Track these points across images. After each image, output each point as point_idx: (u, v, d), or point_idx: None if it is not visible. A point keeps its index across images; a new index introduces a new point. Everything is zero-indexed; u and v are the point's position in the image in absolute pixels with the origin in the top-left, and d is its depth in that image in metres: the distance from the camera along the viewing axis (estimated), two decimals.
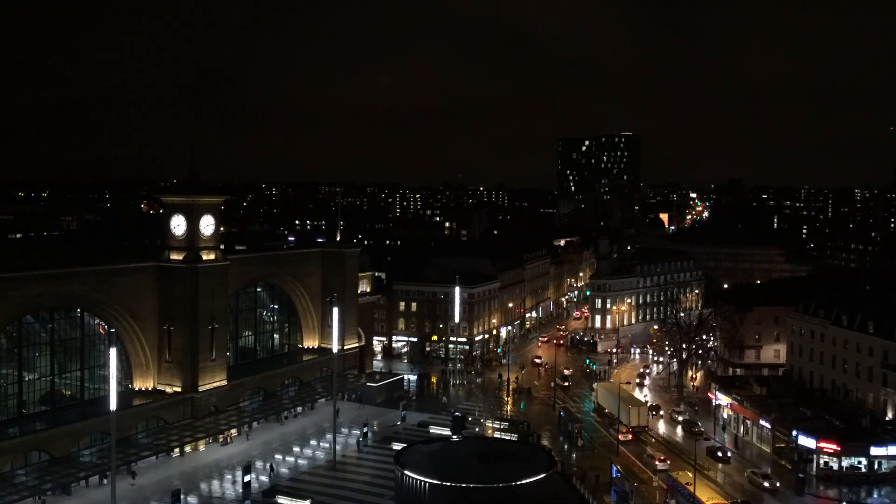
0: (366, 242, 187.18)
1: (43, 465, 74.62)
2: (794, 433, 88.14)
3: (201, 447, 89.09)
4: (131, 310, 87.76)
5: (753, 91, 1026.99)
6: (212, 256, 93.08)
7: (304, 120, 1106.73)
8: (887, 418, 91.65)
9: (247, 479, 77.89)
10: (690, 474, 75.83)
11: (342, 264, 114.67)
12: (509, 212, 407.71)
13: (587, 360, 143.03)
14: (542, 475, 69.37)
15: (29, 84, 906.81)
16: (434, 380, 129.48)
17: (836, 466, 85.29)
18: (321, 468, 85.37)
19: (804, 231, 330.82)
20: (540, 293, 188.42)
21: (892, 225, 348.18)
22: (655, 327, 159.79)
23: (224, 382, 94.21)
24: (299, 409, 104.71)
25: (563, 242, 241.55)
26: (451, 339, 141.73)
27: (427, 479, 67.33)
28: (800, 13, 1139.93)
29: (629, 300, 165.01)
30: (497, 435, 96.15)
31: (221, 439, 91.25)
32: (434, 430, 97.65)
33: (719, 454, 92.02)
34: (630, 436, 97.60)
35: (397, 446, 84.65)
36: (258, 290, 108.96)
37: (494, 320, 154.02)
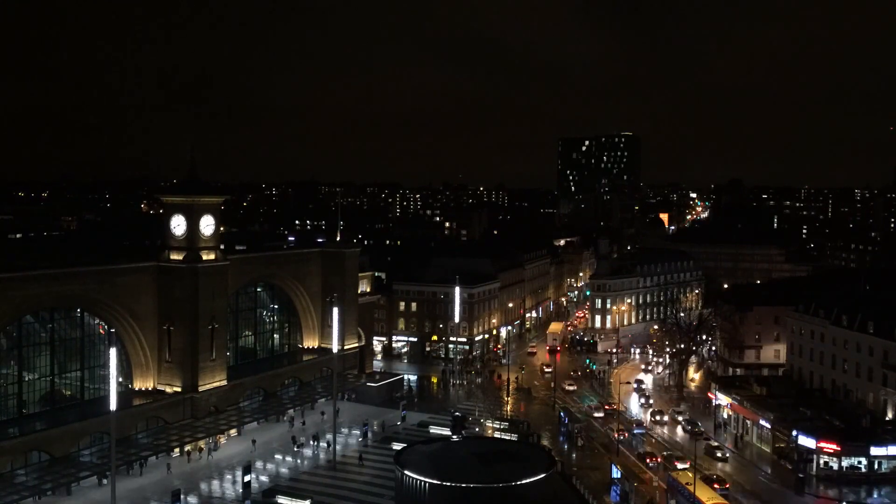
0: (366, 242, 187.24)
1: (43, 465, 74.61)
2: (794, 433, 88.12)
3: (201, 445, 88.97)
4: (131, 310, 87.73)
5: (753, 91, 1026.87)
6: (212, 256, 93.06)
7: (304, 120, 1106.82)
8: (887, 418, 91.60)
9: (247, 479, 77.90)
10: (691, 475, 75.83)
11: (342, 264, 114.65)
12: (509, 212, 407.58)
13: (587, 360, 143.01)
14: (542, 475, 69.36)
15: (29, 84, 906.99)
16: (434, 380, 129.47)
17: (836, 466, 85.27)
18: (321, 468, 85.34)
19: (804, 231, 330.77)
20: (540, 293, 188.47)
21: (892, 225, 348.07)
22: (655, 327, 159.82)
23: (224, 382, 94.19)
24: (303, 422, 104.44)
25: (563, 242, 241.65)
26: (451, 339, 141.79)
27: (427, 479, 67.31)
28: (800, 13, 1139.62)
29: (629, 300, 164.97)
30: (497, 435, 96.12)
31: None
32: (434, 430, 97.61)
33: (718, 454, 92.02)
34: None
35: (397, 446, 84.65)
36: (258, 290, 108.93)
37: (494, 320, 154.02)
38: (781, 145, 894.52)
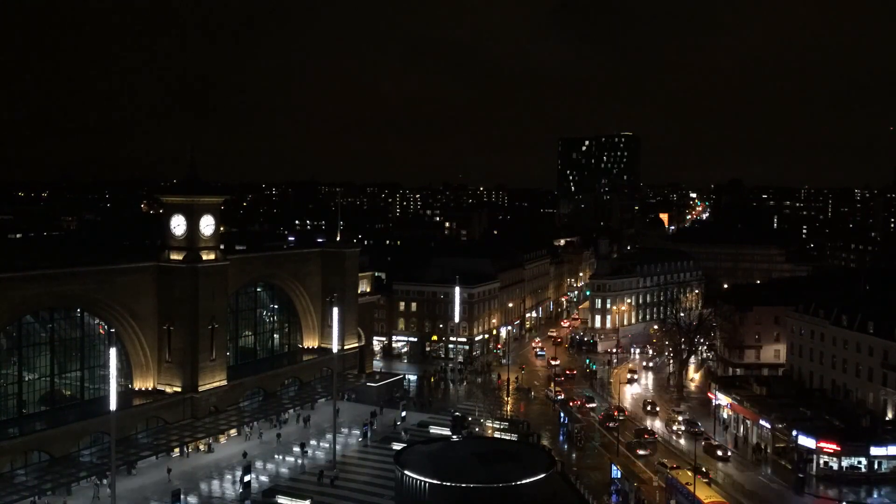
0: (366, 242, 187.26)
1: (43, 465, 74.60)
2: (794, 433, 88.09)
3: (201, 446, 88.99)
4: (131, 310, 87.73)
5: (753, 91, 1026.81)
6: (212, 256, 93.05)
7: (304, 120, 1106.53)
8: (887, 418, 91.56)
9: (247, 479, 77.88)
10: (690, 474, 75.78)
11: (342, 264, 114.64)
12: (509, 212, 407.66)
13: (587, 360, 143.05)
14: (542, 475, 69.34)
15: (29, 84, 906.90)
16: (433, 380, 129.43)
17: (836, 466, 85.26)
18: (321, 468, 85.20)
19: (804, 231, 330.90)
20: (540, 293, 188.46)
21: (892, 225, 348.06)
22: (655, 327, 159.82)
23: (224, 382, 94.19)
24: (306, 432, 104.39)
25: (563, 242, 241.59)
26: (451, 339, 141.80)
27: (427, 479, 67.30)
28: (800, 13, 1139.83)
29: (629, 300, 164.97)
30: (497, 435, 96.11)
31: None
32: (434, 430, 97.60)
33: (719, 453, 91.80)
34: None
35: (397, 446, 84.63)
36: (258, 290, 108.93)
37: (494, 320, 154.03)
38: (781, 145, 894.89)
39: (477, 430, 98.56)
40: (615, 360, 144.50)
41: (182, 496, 73.34)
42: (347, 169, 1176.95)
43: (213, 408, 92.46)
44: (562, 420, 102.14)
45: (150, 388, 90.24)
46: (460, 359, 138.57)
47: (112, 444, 67.52)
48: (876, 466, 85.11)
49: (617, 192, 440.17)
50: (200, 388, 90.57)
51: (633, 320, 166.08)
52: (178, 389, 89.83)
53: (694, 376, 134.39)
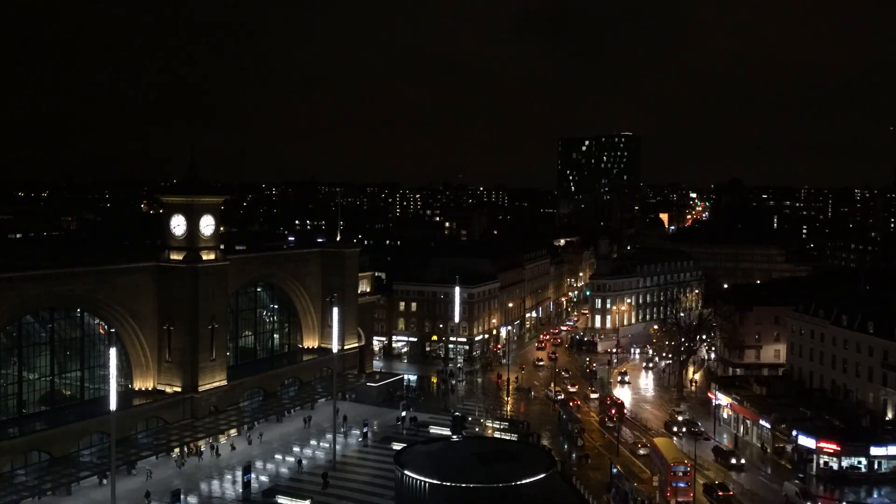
0: (366, 242, 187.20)
1: (43, 465, 74.59)
2: (794, 433, 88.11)
3: (202, 447, 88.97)
4: (131, 310, 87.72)
5: (753, 91, 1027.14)
6: (212, 256, 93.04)
7: (304, 120, 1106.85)
8: (887, 418, 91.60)
9: (247, 479, 77.88)
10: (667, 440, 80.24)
11: (342, 264, 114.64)
12: (509, 212, 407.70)
13: (587, 360, 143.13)
14: (542, 475, 69.33)
15: (29, 84, 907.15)
16: (434, 380, 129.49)
17: (836, 466, 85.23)
18: (321, 468, 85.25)
19: (804, 231, 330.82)
20: (540, 293, 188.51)
21: (892, 225, 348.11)
22: (655, 327, 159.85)
23: (224, 382, 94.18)
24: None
25: (563, 242, 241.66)
26: (451, 339, 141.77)
27: (427, 479, 67.29)
28: (800, 13, 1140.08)
29: (629, 300, 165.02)
30: (497, 435, 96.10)
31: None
32: (434, 430, 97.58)
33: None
34: None
35: (397, 446, 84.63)
36: (258, 290, 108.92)
37: (494, 320, 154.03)
38: (781, 145, 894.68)
39: (477, 429, 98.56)
40: (615, 360, 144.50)
41: (182, 496, 73.36)
42: (347, 169, 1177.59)
43: (213, 408, 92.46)
44: (562, 419, 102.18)
45: (150, 388, 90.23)
46: (460, 360, 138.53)
47: (112, 444, 67.52)
48: (876, 466, 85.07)
49: (617, 192, 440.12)
50: (200, 388, 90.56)
51: (633, 320, 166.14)
52: (178, 389, 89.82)
53: (694, 376, 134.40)
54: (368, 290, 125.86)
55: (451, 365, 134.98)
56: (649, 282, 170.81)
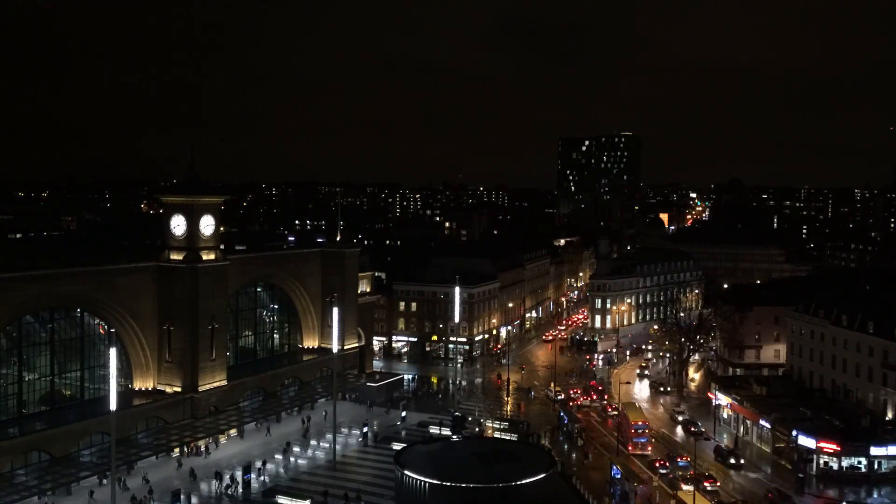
0: (366, 242, 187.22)
1: (43, 465, 74.59)
2: (794, 433, 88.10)
3: (202, 447, 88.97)
4: (131, 310, 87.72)
5: (753, 90, 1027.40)
6: (212, 256, 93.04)
7: (304, 120, 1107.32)
8: (887, 418, 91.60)
9: (247, 478, 77.85)
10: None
11: (342, 264, 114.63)
12: (509, 212, 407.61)
13: (587, 360, 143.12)
14: (542, 475, 69.32)
15: (29, 84, 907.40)
16: (434, 380, 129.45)
17: (836, 466, 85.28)
18: (321, 468, 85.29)
19: (804, 231, 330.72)
20: (540, 293, 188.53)
21: (892, 225, 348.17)
22: (655, 327, 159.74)
23: (224, 382, 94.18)
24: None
25: (563, 242, 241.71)
26: (451, 339, 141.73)
27: (427, 479, 67.27)
28: (800, 13, 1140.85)
29: (629, 300, 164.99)
30: (497, 435, 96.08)
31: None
32: (434, 430, 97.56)
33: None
34: None
35: (397, 446, 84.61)
36: (258, 290, 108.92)
37: (494, 320, 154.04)
38: (781, 145, 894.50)
39: (477, 429, 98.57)
40: (615, 360, 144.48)
41: (182, 496, 73.36)
42: (347, 169, 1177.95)
43: (213, 408, 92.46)
44: (561, 419, 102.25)
45: (150, 388, 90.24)
46: (460, 360, 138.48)
47: (112, 444, 67.49)
48: (876, 466, 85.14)
49: (617, 192, 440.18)
50: (200, 388, 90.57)
51: (633, 320, 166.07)
52: (178, 389, 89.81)
53: (694, 376, 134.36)
54: (368, 290, 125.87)
55: (450, 365, 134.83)
56: (649, 282, 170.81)
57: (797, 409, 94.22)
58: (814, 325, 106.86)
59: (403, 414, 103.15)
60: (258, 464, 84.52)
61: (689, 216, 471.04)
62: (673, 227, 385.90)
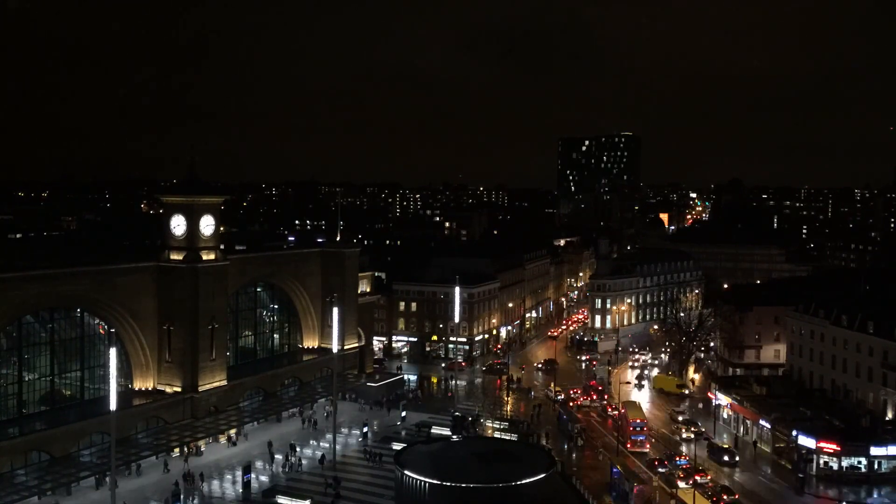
0: (366, 242, 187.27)
1: (43, 465, 74.61)
2: (794, 433, 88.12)
3: (202, 446, 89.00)
4: (131, 310, 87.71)
5: (753, 90, 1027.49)
6: (212, 256, 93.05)
7: (304, 120, 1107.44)
8: (887, 418, 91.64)
9: (247, 478, 77.89)
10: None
11: (342, 264, 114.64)
12: (509, 212, 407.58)
13: (587, 360, 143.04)
14: (542, 475, 69.36)
15: (29, 84, 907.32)
16: (434, 380, 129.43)
17: (836, 466, 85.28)
18: (321, 468, 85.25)
19: (804, 231, 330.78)
20: (540, 293, 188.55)
21: (892, 225, 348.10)
22: (655, 327, 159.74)
23: (224, 382, 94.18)
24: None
25: (563, 242, 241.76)
26: (451, 339, 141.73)
27: (427, 479, 67.31)
28: (800, 12, 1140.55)
29: (629, 300, 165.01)
30: (497, 435, 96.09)
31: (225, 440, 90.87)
32: (434, 430, 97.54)
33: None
34: None
35: (397, 446, 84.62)
36: (258, 290, 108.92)
37: (494, 320, 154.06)
38: (781, 145, 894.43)
39: (477, 430, 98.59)
40: (615, 361, 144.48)
41: (182, 496, 73.36)
42: (347, 169, 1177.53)
43: (213, 408, 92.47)
44: (562, 419, 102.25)
45: (150, 388, 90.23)
46: (460, 359, 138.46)
47: (112, 444, 67.52)
48: (876, 466, 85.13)
49: (617, 192, 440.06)
50: (200, 388, 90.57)
51: (633, 320, 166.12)
52: (178, 389, 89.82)
53: (694, 376, 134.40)
54: (368, 290, 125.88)
55: (456, 360, 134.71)
56: (649, 282, 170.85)
57: (797, 409, 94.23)
58: (814, 325, 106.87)
59: (403, 414, 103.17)
60: (259, 464, 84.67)
61: (689, 216, 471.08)
62: (673, 227, 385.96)
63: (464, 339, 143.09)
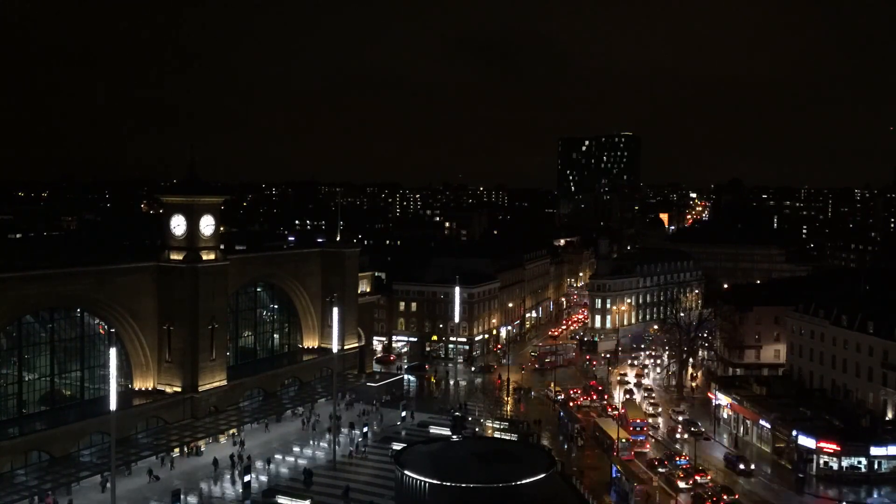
0: (366, 242, 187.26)
1: (43, 465, 74.59)
2: (794, 433, 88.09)
3: (202, 447, 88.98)
4: (131, 310, 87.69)
5: (754, 91, 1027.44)
6: (212, 256, 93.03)
7: (304, 119, 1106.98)
8: (887, 418, 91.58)
9: (247, 479, 77.88)
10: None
11: (342, 264, 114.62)
12: (509, 212, 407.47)
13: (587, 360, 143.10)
14: (542, 475, 69.31)
15: (29, 84, 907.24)
16: (433, 380, 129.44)
17: (836, 466, 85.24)
18: (321, 468, 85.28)
19: (804, 231, 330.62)
20: (540, 293, 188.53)
21: (892, 225, 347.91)
22: (655, 327, 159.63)
23: (224, 382, 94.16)
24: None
25: (563, 242, 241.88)
26: (451, 339, 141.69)
27: (427, 479, 67.27)
28: (801, 12, 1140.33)
29: (629, 300, 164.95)
30: (497, 435, 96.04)
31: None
32: (434, 430, 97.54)
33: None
34: None
35: (397, 446, 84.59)
36: (258, 290, 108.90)
37: (494, 320, 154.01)
38: (781, 145, 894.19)
39: (477, 430, 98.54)
40: (615, 361, 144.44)
41: (182, 496, 73.36)
42: (347, 169, 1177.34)
43: (213, 408, 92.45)
44: (561, 419, 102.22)
45: (150, 388, 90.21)
46: (460, 359, 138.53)
47: (112, 444, 67.52)
48: (876, 466, 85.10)
49: (617, 192, 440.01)
50: (200, 388, 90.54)
51: (633, 320, 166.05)
52: (178, 389, 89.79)
53: (695, 375, 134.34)
54: (368, 290, 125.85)
55: (450, 365, 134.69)
56: (649, 282, 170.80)
57: (797, 409, 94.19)
58: (814, 325, 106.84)
59: (403, 414, 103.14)
60: (259, 464, 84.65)
61: (689, 216, 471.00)
62: (673, 227, 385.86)
63: (464, 339, 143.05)
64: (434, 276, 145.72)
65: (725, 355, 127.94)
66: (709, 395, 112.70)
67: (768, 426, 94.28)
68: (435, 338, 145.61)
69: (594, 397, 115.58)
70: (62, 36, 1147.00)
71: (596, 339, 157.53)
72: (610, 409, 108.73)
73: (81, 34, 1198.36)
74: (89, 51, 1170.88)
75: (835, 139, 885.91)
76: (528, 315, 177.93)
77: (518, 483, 67.37)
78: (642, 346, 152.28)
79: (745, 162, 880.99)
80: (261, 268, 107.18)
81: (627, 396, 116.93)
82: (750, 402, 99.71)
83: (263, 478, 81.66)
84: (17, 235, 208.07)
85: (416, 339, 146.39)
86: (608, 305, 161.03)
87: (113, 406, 66.76)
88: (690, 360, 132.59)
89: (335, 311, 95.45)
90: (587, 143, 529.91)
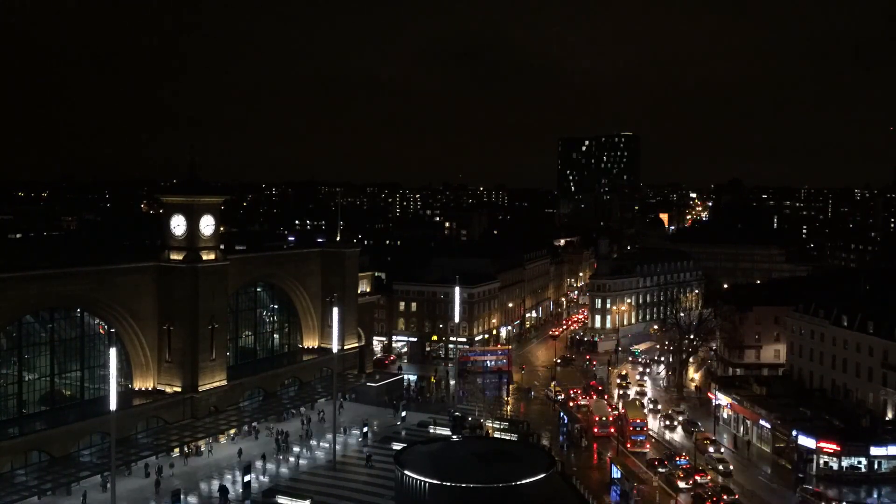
0: (366, 242, 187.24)
1: (43, 465, 74.59)
2: (794, 433, 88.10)
3: (202, 447, 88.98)
4: (131, 310, 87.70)
5: (754, 91, 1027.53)
6: (212, 256, 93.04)
7: (304, 120, 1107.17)
8: (887, 418, 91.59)
9: (247, 479, 77.89)
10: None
11: (342, 264, 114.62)
12: (509, 212, 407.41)
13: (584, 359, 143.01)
14: (542, 475, 69.35)
15: (29, 84, 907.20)
16: (433, 380, 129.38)
17: (836, 466, 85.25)
18: (321, 468, 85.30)
19: (804, 231, 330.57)
20: (540, 293, 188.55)
21: (892, 225, 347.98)
22: (655, 327, 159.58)
23: (224, 382, 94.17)
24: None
25: (563, 242, 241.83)
26: (451, 339, 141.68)
27: (427, 479, 67.29)
28: (800, 12, 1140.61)
29: (629, 300, 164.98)
30: (497, 435, 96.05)
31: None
32: (434, 430, 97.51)
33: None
34: None
35: (397, 446, 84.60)
36: (258, 290, 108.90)
37: (494, 320, 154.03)
38: (781, 145, 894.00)
39: (477, 430, 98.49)
40: (615, 360, 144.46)
41: (182, 496, 73.37)
42: (347, 169, 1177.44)
43: (213, 408, 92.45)
44: (561, 419, 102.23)
45: (150, 388, 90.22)
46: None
47: (112, 444, 67.52)
48: (876, 466, 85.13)
49: (617, 192, 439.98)
50: (200, 388, 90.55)
51: (633, 320, 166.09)
52: (178, 389, 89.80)
53: (694, 376, 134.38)
54: (368, 290, 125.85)
55: (449, 365, 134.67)
56: (649, 282, 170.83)
57: (797, 409, 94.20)
58: (814, 325, 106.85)
59: (403, 414, 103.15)
60: (259, 464, 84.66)
61: (689, 216, 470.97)
62: (673, 227, 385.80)
63: (464, 339, 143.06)
64: (434, 276, 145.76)
65: (725, 355, 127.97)
66: (709, 395, 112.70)
67: (768, 426, 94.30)
68: (435, 338, 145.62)
69: (594, 397, 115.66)
70: (62, 36, 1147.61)
71: (596, 339, 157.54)
72: (610, 409, 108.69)
73: (82, 34, 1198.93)
74: (89, 51, 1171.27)
75: (835, 139, 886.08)
76: (528, 315, 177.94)
77: (518, 483, 67.43)
78: (641, 356, 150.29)
79: (745, 162, 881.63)
80: (261, 268, 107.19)
81: (628, 396, 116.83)
82: (750, 402, 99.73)
83: (264, 478, 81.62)
84: (17, 235, 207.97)
85: (416, 339, 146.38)
86: (608, 305, 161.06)
87: (113, 406, 66.76)
88: (690, 360, 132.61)
89: (335, 311, 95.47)
90: (587, 143, 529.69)
